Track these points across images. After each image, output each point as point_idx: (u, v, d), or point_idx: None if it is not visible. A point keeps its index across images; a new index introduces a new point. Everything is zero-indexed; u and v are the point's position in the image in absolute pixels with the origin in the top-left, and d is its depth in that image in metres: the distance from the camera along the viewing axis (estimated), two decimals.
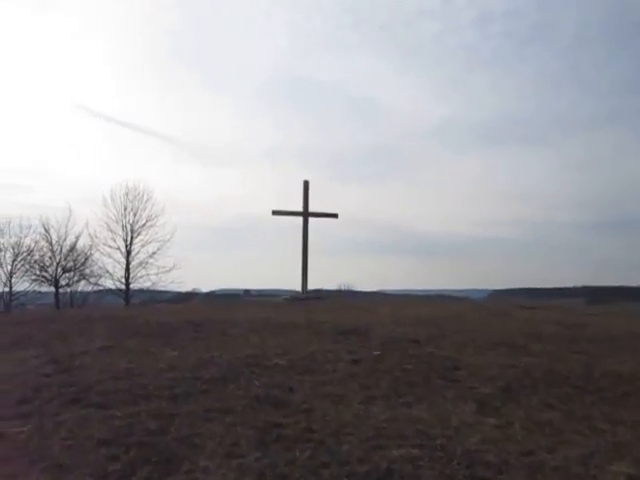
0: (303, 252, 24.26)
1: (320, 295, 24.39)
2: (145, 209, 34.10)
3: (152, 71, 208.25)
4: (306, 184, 24.54)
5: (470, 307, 14.80)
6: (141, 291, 34.65)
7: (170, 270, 33.88)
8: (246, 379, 6.53)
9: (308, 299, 22.49)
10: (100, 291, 36.47)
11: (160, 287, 34.44)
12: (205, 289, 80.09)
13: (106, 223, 33.50)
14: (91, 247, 33.97)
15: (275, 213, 24.14)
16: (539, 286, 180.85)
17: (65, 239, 33.81)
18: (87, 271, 34.50)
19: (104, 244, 33.55)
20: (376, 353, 7.95)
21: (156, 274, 34.06)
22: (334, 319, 11.27)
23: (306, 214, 24.26)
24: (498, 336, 9.41)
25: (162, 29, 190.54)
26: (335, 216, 25.09)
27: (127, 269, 33.50)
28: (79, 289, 35.73)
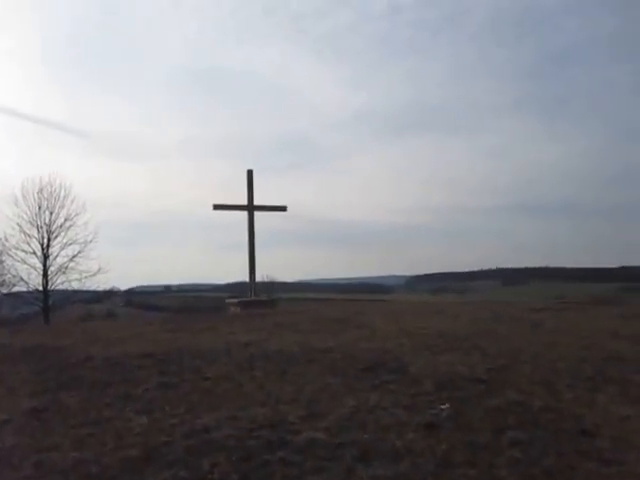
0: (250, 250, 21.64)
1: (269, 299, 21.81)
2: (63, 207, 30.10)
3: (55, 63, 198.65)
4: (250, 174, 21.89)
5: (477, 312, 12.63)
6: (56, 291, 30.73)
7: (95, 274, 30.27)
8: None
9: (260, 304, 19.96)
10: (14, 295, 32.44)
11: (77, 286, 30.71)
12: (124, 286, 76.35)
13: (18, 224, 29.24)
14: (1, 253, 29.81)
15: (217, 208, 21.37)
16: (456, 270, 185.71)
17: None
18: None
19: (16, 248, 29.40)
20: (444, 407, 5.56)
21: (79, 279, 30.40)
22: (335, 343, 8.83)
23: (251, 207, 21.64)
24: (583, 365, 7.17)
25: (66, 18, 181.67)
26: (284, 209, 22.60)
27: (45, 275, 29.58)
28: None
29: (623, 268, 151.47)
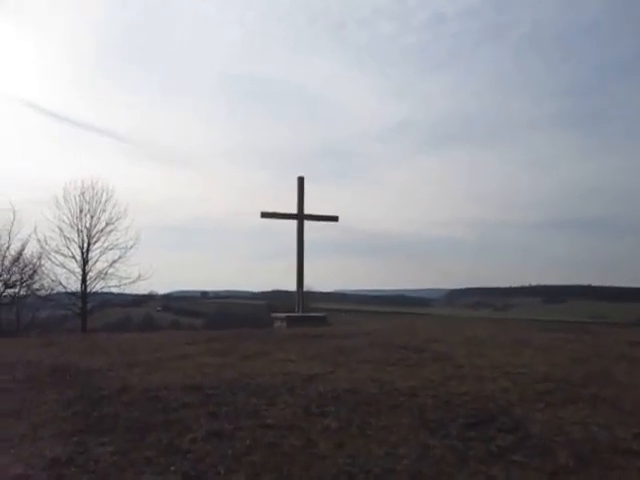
0: (298, 261, 20.35)
1: (319, 315, 20.36)
2: (104, 211, 29.31)
3: (104, 70, 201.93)
4: (301, 181, 20.57)
5: (570, 345, 10.97)
6: (95, 294, 29.79)
7: (134, 281, 29.33)
8: None
9: (308, 320, 18.55)
10: (51, 301, 31.65)
11: (114, 290, 29.76)
12: (162, 291, 76.05)
13: (58, 227, 28.57)
14: (41, 256, 28.98)
15: (265, 216, 20.14)
16: (494, 285, 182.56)
17: (8, 247, 28.75)
18: (36, 285, 29.56)
19: (56, 252, 28.60)
20: None
21: (118, 286, 29.48)
22: (418, 383, 7.31)
23: (301, 217, 20.29)
24: None
25: (115, 27, 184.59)
26: (335, 219, 21.22)
27: (83, 281, 28.69)
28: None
29: None
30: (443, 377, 7.56)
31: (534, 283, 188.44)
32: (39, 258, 28.97)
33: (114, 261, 29.01)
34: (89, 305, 29.57)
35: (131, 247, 29.18)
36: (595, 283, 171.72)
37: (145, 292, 36.31)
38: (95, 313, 32.63)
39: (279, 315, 19.79)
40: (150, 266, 30.03)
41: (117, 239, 29.22)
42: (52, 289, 29.65)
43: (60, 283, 29.01)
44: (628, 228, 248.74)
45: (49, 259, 28.62)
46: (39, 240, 28.19)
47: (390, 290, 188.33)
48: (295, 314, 19.67)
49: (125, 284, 29.55)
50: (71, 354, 10.95)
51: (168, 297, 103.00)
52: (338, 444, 5.17)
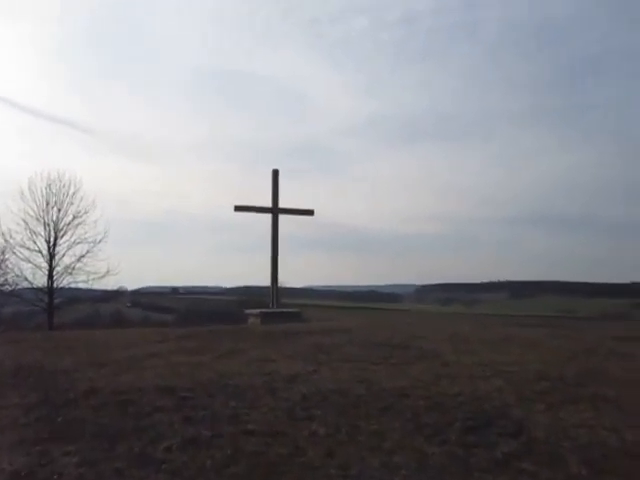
0: (273, 256, 19.85)
1: (294, 310, 19.87)
2: (72, 204, 28.28)
3: (70, 62, 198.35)
4: (275, 174, 20.07)
5: (556, 341, 10.67)
6: (63, 289, 28.82)
7: (103, 276, 28.46)
8: None
9: (284, 316, 18.10)
10: (15, 297, 30.62)
11: (82, 285, 28.86)
12: (131, 287, 74.85)
13: (24, 220, 27.47)
14: (4, 250, 27.98)
15: (239, 209, 19.59)
16: (463, 281, 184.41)
17: None
18: (1, 279, 28.55)
19: (21, 246, 27.57)
20: None
21: (86, 281, 28.61)
22: (408, 383, 6.90)
23: (276, 210, 19.79)
24: None
25: (82, 18, 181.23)
26: (311, 213, 20.76)
27: (50, 276, 27.74)
28: None
29: (634, 284, 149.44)
30: (433, 376, 7.18)
31: (502, 279, 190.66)
32: (2, 252, 27.98)
33: (82, 255, 28.10)
34: (57, 300, 28.64)
35: (100, 241, 28.30)
36: (563, 279, 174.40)
37: (114, 288, 35.44)
38: (63, 309, 31.68)
39: (253, 311, 19.27)
40: (119, 261, 29.26)
41: (85, 233, 28.30)
42: (17, 284, 28.66)
43: (25, 278, 28.04)
44: (604, 225, 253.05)
45: (14, 253, 27.63)
46: (3, 233, 27.19)
47: (360, 286, 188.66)
48: (269, 310, 19.19)
49: (93, 279, 28.71)
50: (35, 353, 10.33)
51: (138, 293, 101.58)
52: (328, 452, 4.74)
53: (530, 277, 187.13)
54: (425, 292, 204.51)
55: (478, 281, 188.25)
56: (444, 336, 11.09)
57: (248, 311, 19.84)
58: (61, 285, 28.45)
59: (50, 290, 27.80)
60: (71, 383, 7.49)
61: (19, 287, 29.19)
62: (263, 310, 19.07)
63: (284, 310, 19.59)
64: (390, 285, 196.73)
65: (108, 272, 28.41)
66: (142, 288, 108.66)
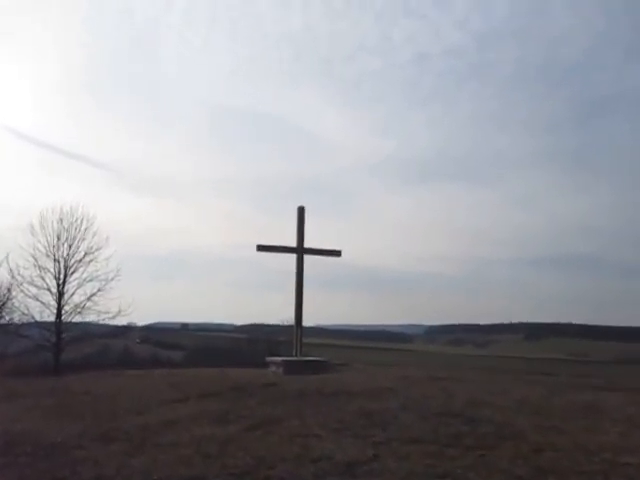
0: (297, 300, 18.32)
1: (320, 360, 18.24)
2: (84, 240, 26.80)
3: (90, 98, 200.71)
4: (301, 211, 18.65)
5: None
6: (71, 323, 27.22)
7: (114, 316, 26.92)
8: None
9: (308, 366, 16.54)
10: (24, 337, 29.17)
11: (91, 319, 27.31)
12: (141, 322, 73.23)
13: (33, 256, 25.98)
14: (11, 287, 26.51)
15: (261, 249, 18.12)
16: (475, 322, 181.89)
17: None
18: (5, 318, 27.06)
19: (29, 283, 26.08)
20: None
21: (96, 324, 27.11)
22: None
23: (301, 250, 18.35)
24: None
25: (101, 55, 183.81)
26: (338, 254, 19.27)
27: (58, 315, 26.23)
28: None
29: None
30: (533, 471, 5.59)
31: (515, 320, 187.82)
32: (9, 290, 26.54)
33: (92, 294, 26.58)
34: (65, 335, 27.07)
35: (112, 279, 26.81)
36: (576, 321, 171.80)
37: (124, 323, 34.03)
38: (72, 344, 30.11)
39: (275, 359, 17.70)
40: (131, 300, 27.67)
41: (97, 270, 26.80)
42: (23, 323, 27.20)
43: (32, 317, 26.54)
44: (615, 267, 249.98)
45: (21, 290, 26.17)
46: (10, 270, 25.77)
47: (369, 325, 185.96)
48: (293, 359, 17.60)
49: (104, 320, 27.23)
50: (34, 416, 8.85)
51: (148, 328, 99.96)
52: None
53: (543, 319, 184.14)
54: (434, 333, 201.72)
55: (489, 322, 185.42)
56: (509, 403, 9.50)
57: (269, 359, 18.28)
58: (70, 325, 26.99)
59: (58, 330, 26.29)
60: (72, 467, 5.98)
61: (25, 322, 27.70)
62: (286, 359, 17.50)
63: (309, 359, 17.97)
64: (401, 325, 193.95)
65: (119, 312, 26.88)
66: (152, 324, 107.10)
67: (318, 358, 18.49)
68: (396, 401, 9.50)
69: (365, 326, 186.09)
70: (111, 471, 5.78)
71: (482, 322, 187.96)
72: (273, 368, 17.26)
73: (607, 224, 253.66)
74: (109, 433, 7.46)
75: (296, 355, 17.93)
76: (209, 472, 5.67)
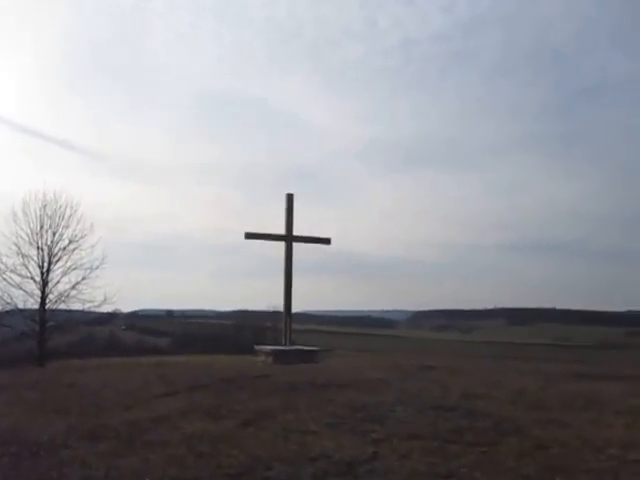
0: (286, 288, 18.11)
1: (310, 349, 18.02)
2: (68, 227, 26.20)
3: (71, 83, 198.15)
4: (290, 198, 18.36)
5: None
6: (55, 311, 26.67)
7: (100, 305, 26.43)
8: None
9: (298, 355, 16.34)
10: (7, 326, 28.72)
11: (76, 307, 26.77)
12: (126, 309, 72.69)
13: (15, 244, 25.35)
14: None
15: (250, 237, 17.86)
16: (459, 307, 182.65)
17: None
18: None
19: (12, 271, 25.52)
20: None
21: (81, 311, 26.64)
22: None
23: (290, 238, 18.08)
24: None
25: (85, 41, 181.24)
26: (327, 241, 19.04)
27: (42, 304, 25.71)
28: None
29: (630, 312, 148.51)
30: (540, 470, 5.38)
31: (498, 305, 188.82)
32: None
33: (77, 283, 26.03)
34: (50, 323, 26.57)
35: (97, 267, 26.29)
36: (560, 306, 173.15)
37: (109, 310, 33.48)
38: (56, 332, 29.58)
39: (264, 348, 17.46)
40: (117, 288, 27.18)
41: (81, 258, 26.27)
42: (6, 312, 26.67)
43: (16, 306, 26.01)
44: (601, 253, 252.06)
45: (4, 279, 25.61)
46: None
47: (354, 311, 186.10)
48: (282, 348, 17.37)
49: (89, 308, 26.73)
50: (18, 411, 8.55)
51: (133, 315, 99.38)
52: None
53: (527, 304, 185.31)
54: (420, 318, 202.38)
55: (474, 308, 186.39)
56: (506, 395, 9.34)
57: (258, 347, 18.03)
58: (55, 314, 26.50)
59: (42, 319, 25.80)
60: (59, 468, 5.70)
61: (7, 310, 27.16)
62: (275, 348, 17.28)
63: (298, 348, 17.75)
64: (385, 311, 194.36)
65: (105, 300, 26.36)
66: (137, 311, 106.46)
67: (307, 347, 18.27)
68: (390, 394, 9.30)
69: (350, 312, 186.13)
70: (100, 473, 5.52)
71: (467, 307, 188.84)
72: (262, 357, 17.02)
73: (594, 210, 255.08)
74: (96, 430, 7.18)
75: (285, 344, 17.70)
76: (203, 473, 5.43)
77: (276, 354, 16.42)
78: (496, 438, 6.54)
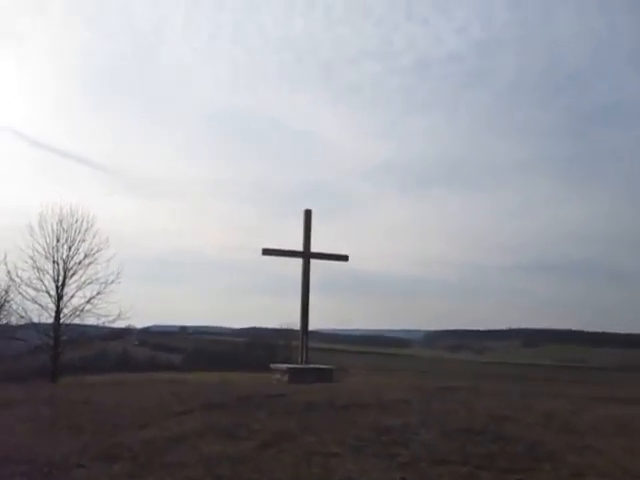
0: (302, 306, 17.85)
1: (326, 368, 17.70)
2: (84, 241, 26.24)
3: (88, 99, 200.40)
4: (307, 215, 18.17)
5: None
6: (68, 326, 26.60)
7: (114, 320, 26.36)
8: None
9: (314, 374, 16.05)
10: (20, 340, 28.67)
11: (90, 322, 26.75)
12: (139, 325, 72.59)
13: (31, 258, 25.38)
14: (8, 289, 25.89)
15: (267, 252, 17.66)
16: (472, 327, 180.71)
17: None
18: (2, 320, 26.44)
19: (27, 285, 25.50)
20: None
21: (94, 326, 26.56)
22: None
23: (308, 254, 17.86)
24: None
25: (101, 56, 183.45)
26: (345, 258, 18.80)
27: (57, 318, 25.66)
28: None
29: None
30: None
31: (513, 326, 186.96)
32: (6, 292, 25.93)
33: (92, 297, 25.98)
34: (64, 337, 26.50)
35: (112, 282, 26.24)
36: (575, 327, 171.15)
37: (122, 326, 33.45)
38: (69, 345, 29.48)
39: (279, 366, 17.22)
40: (131, 303, 27.13)
41: (96, 273, 26.27)
42: (20, 326, 26.66)
43: (30, 320, 25.97)
44: (611, 275, 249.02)
45: (19, 293, 25.58)
46: (8, 271, 25.17)
47: (367, 330, 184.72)
48: (298, 366, 17.10)
49: (103, 323, 26.65)
50: (30, 428, 8.32)
51: (146, 331, 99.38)
52: None
53: (541, 325, 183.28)
54: (433, 338, 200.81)
55: (488, 328, 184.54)
56: (535, 418, 8.99)
57: (274, 366, 17.79)
58: (68, 322, 26.44)
59: (56, 334, 25.71)
60: None
61: (22, 324, 27.11)
62: (291, 366, 17.03)
63: (314, 367, 17.46)
64: (399, 330, 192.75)
65: (119, 316, 26.28)
66: (150, 326, 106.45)
67: (324, 366, 17.98)
68: (413, 415, 8.98)
69: (363, 331, 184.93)
70: None
71: (480, 328, 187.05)
72: (278, 375, 16.79)
73: (603, 231, 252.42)
74: (111, 450, 6.92)
75: (302, 362, 17.43)
76: None
77: (292, 372, 16.18)
78: (530, 464, 6.23)
